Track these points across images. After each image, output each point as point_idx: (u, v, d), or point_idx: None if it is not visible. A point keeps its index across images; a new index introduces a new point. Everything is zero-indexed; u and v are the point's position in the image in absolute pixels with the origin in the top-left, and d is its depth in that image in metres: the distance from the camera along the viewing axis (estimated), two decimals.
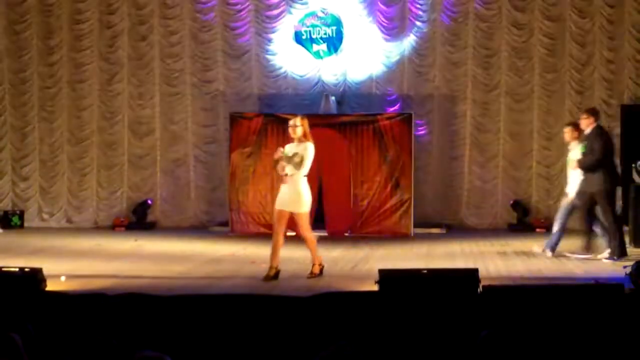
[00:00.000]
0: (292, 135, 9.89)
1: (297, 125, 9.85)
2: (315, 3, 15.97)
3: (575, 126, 11.94)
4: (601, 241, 11.56)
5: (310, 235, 9.93)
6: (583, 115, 11.79)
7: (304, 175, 9.84)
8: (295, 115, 10.50)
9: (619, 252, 11.24)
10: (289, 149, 9.88)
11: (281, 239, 9.80)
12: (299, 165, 9.76)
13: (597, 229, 11.58)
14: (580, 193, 11.56)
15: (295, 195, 9.76)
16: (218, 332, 7.25)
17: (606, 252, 11.40)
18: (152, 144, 16.36)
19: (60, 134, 16.48)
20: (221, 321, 7.32)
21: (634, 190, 12.82)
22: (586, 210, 11.54)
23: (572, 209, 11.79)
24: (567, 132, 12.01)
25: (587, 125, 11.62)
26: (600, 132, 11.60)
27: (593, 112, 11.84)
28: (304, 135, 9.87)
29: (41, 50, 16.47)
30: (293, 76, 16.13)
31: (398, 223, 14.70)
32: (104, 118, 16.43)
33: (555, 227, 11.82)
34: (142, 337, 6.55)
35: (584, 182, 11.51)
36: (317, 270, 9.94)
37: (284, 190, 9.88)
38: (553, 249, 11.69)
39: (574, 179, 11.72)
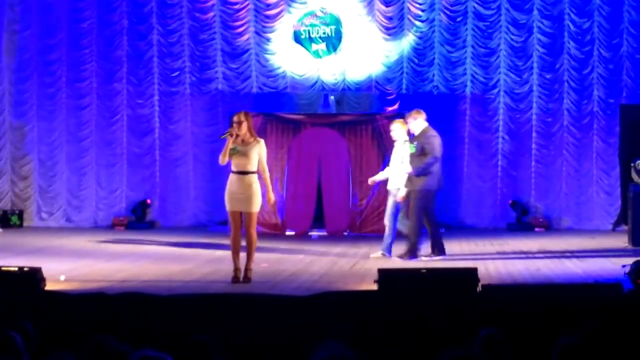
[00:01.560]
0: (237, 132, 9.53)
1: (243, 121, 9.58)
2: (314, 2, 15.93)
3: (404, 123, 11.73)
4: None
5: (255, 236, 9.72)
6: (409, 117, 11.58)
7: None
8: (240, 112, 9.86)
9: (439, 251, 11.31)
10: (236, 145, 9.56)
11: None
12: (258, 163, 9.59)
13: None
14: (407, 193, 11.44)
15: (251, 193, 9.52)
16: (218, 332, 7.25)
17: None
18: (151, 144, 16.35)
19: (59, 133, 16.46)
20: (221, 321, 7.32)
21: (633, 190, 12.81)
22: (430, 211, 11.42)
23: (398, 208, 11.72)
24: (395, 130, 11.74)
25: (415, 126, 11.45)
26: (430, 133, 11.44)
27: (420, 113, 11.61)
28: (249, 131, 9.63)
29: (40, 49, 16.45)
30: (292, 76, 16.10)
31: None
32: (103, 117, 16.42)
33: (387, 229, 11.77)
34: (142, 337, 6.54)
35: (409, 182, 11.37)
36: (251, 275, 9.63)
37: (238, 189, 9.55)
38: (389, 251, 11.72)
39: (397, 177, 11.61)
